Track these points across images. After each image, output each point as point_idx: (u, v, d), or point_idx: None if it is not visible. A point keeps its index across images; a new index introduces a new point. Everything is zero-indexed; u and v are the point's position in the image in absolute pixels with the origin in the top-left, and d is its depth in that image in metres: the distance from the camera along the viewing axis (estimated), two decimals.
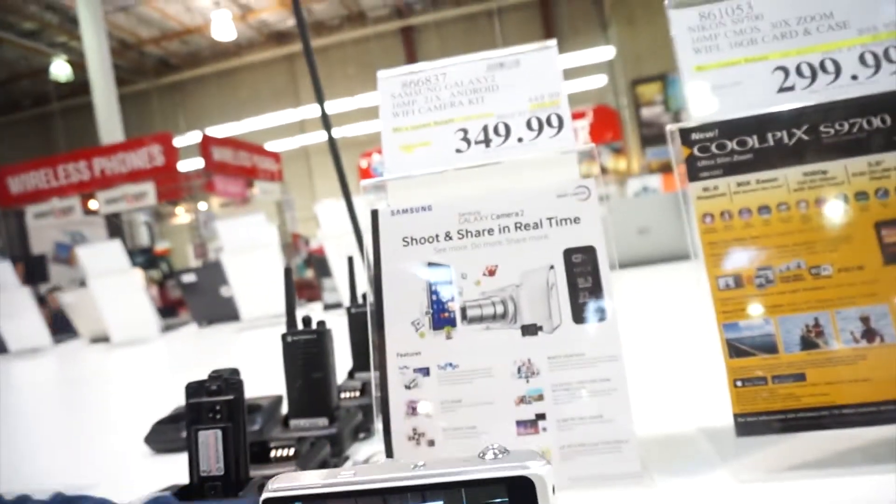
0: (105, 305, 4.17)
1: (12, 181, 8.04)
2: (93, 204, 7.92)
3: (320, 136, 12.02)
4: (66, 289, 5.31)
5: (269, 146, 10.69)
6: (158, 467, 1.31)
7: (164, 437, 1.48)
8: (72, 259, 8.45)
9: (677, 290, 2.59)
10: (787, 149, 0.82)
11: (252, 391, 1.22)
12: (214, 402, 1.00)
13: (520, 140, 0.94)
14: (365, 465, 1.16)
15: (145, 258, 8.11)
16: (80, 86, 11.05)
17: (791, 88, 0.86)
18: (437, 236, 0.94)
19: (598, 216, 0.86)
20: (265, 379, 1.46)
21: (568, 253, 0.87)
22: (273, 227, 4.13)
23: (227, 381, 1.00)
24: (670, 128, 0.87)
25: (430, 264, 0.94)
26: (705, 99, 0.88)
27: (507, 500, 0.33)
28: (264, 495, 0.42)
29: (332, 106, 11.84)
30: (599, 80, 11.50)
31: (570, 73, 12.09)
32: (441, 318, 0.92)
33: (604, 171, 10.92)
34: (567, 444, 0.83)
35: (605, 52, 11.17)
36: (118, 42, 11.66)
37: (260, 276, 3.80)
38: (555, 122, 0.93)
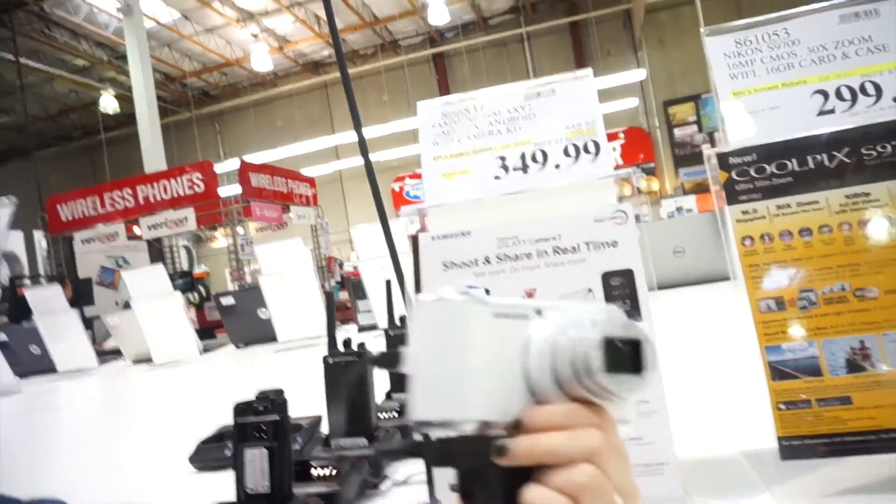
0: (148, 327, 4.29)
1: (62, 209, 8.36)
2: (136, 230, 8.17)
3: (354, 161, 12.21)
4: (110, 312, 5.47)
5: (305, 172, 10.92)
6: (203, 485, 1.34)
7: (208, 455, 1.52)
8: (115, 283, 8.70)
9: (716, 312, 2.55)
10: (827, 171, 0.82)
11: (292, 411, 1.26)
12: (261, 421, 1.03)
13: (557, 167, 0.96)
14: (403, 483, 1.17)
15: (185, 281, 8.30)
16: (126, 118, 11.48)
17: (831, 111, 0.87)
18: (476, 261, 0.96)
19: (635, 239, 0.87)
20: (304, 399, 1.48)
21: (606, 276, 0.88)
22: (308, 250, 4.22)
23: (273, 401, 1.03)
24: (707, 152, 0.88)
25: (469, 286, 0.95)
26: (742, 123, 0.89)
27: None
28: None
29: (366, 132, 12.05)
30: (631, 102, 11.47)
31: (601, 96, 12.08)
32: None
33: (637, 192, 10.81)
34: None
35: (637, 74, 11.17)
36: (162, 75, 12.12)
37: (296, 298, 3.87)
38: (591, 148, 0.95)
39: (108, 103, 11.83)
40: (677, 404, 0.89)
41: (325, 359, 1.30)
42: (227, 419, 1.06)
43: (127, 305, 4.60)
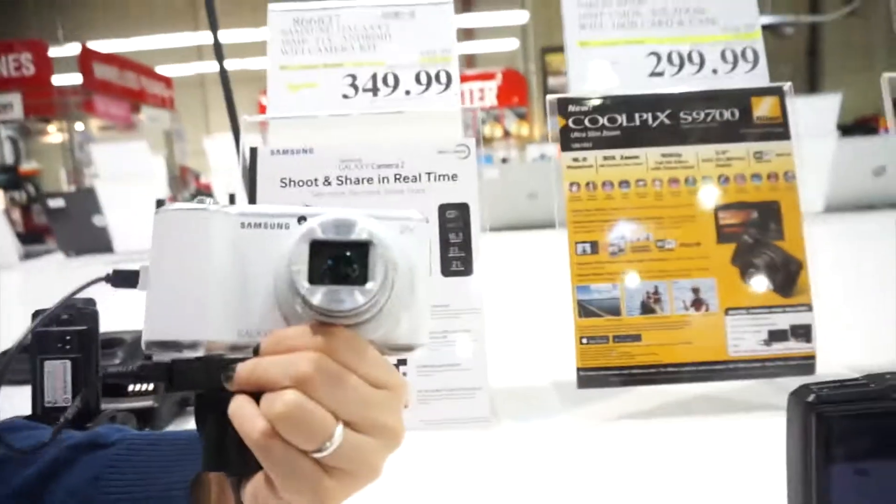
0: None
1: None
2: None
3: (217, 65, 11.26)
4: None
5: (161, 70, 9.91)
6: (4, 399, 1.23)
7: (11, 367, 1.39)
8: None
9: (547, 253, 2.70)
10: (650, 130, 0.88)
11: (116, 324, 1.18)
12: (65, 331, 0.95)
13: (407, 93, 0.95)
14: None
15: (7, 177, 7.36)
16: None
17: (661, 74, 0.93)
18: (315, 180, 0.93)
19: (474, 175, 0.89)
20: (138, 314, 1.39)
21: (443, 208, 0.90)
22: (159, 157, 3.88)
23: (81, 310, 0.96)
24: (550, 98, 0.91)
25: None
26: (585, 74, 0.93)
27: None
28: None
29: (235, 35, 11.13)
30: (511, 44, 11.60)
31: (483, 33, 12.05)
32: None
33: (507, 135, 11.10)
34: (424, 389, 0.87)
35: (520, 16, 11.26)
36: None
37: (139, 207, 3.57)
38: (443, 78, 0.94)
39: None
40: (498, 337, 0.94)
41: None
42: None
43: None
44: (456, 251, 0.89)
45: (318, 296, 0.29)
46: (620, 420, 0.87)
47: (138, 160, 3.65)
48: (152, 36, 11.17)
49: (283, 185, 0.94)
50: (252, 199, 0.93)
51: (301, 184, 0.93)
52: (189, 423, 1.05)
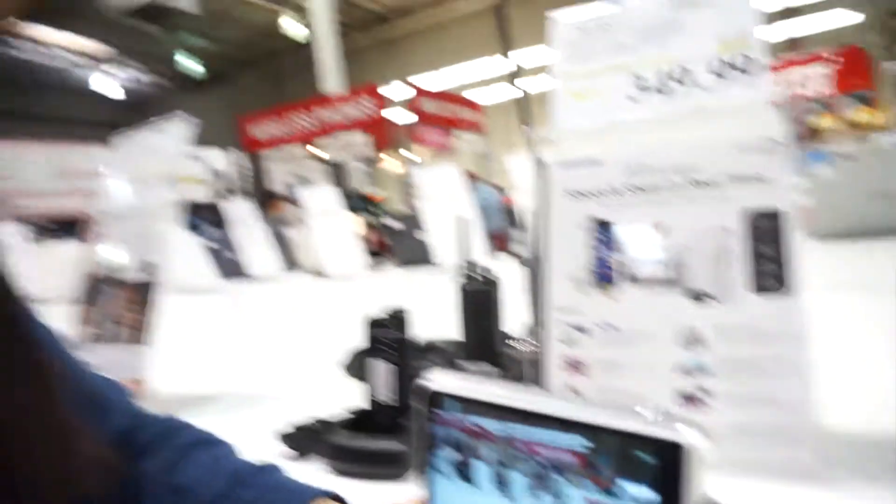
0: (321, 242, 4.69)
1: (251, 129, 9.30)
2: (310, 148, 8.85)
3: (528, 85, 11.90)
4: (292, 226, 6.06)
5: (471, 95, 10.91)
6: (353, 390, 1.42)
7: (355, 365, 1.65)
8: (297, 200, 9.57)
9: None
10: None
11: (435, 333, 1.31)
12: (387, 337, 1.08)
13: (704, 88, 0.85)
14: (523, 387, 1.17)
15: (362, 204, 8.88)
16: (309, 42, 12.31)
17: None
18: (604, 191, 0.89)
19: (789, 176, 0.75)
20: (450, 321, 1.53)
21: (751, 215, 0.77)
22: (461, 176, 4.26)
23: (396, 319, 1.08)
24: None
25: (596, 220, 0.90)
26: None
27: (653, 461, 0.31)
28: (433, 386, 0.42)
29: (541, 54, 11.68)
30: (846, 18, 9.74)
31: (817, 6, 10.35)
32: (604, 276, 0.89)
33: (846, 125, 9.37)
34: (731, 423, 0.76)
35: None
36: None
37: (451, 223, 3.97)
38: (747, 65, 0.82)
39: (292, 28, 12.60)
40: (830, 371, 0.78)
41: (458, 284, 1.32)
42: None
43: (303, 221, 5.06)
44: (768, 265, 0.75)
45: None
46: None
47: (449, 181, 4.06)
48: (462, 64, 12.39)
49: (572, 197, 0.92)
50: (543, 212, 0.93)
51: (589, 195, 0.90)
52: None
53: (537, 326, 1.02)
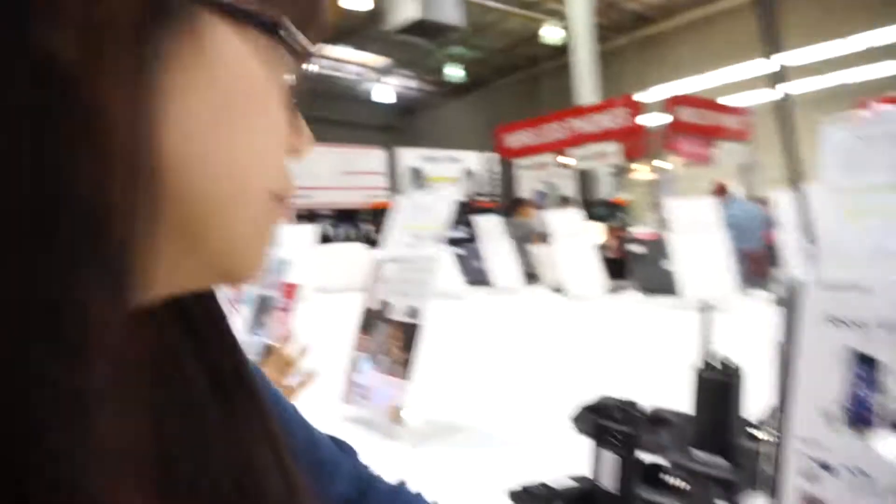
0: (562, 262, 4.78)
1: (506, 137, 9.71)
2: (561, 159, 8.91)
3: (799, 86, 10.43)
4: (535, 238, 6.18)
5: (734, 101, 9.94)
6: (581, 447, 1.43)
7: (585, 422, 1.68)
8: (545, 206, 9.75)
9: None
10: None
11: (665, 398, 1.28)
12: (615, 429, 1.11)
13: None
14: None
15: (605, 209, 8.71)
16: (566, 48, 12.29)
17: None
18: (870, 323, 0.81)
19: None
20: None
21: None
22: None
23: (626, 411, 1.10)
24: None
25: (857, 353, 0.82)
26: None
27: None
28: None
29: (820, 51, 10.23)
30: None
31: None
32: (860, 417, 0.81)
33: None
34: None
35: None
36: (600, 1, 12.31)
37: (704, 257, 3.72)
38: None
39: (551, 34, 12.69)
40: None
41: (696, 370, 1.28)
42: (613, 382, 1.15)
43: (544, 238, 5.18)
44: None
45: None
46: None
47: (705, 213, 3.81)
48: (728, 66, 11.35)
49: (831, 323, 0.86)
50: (793, 329, 0.89)
51: (852, 325, 0.84)
52: None
53: (781, 413, 0.96)
